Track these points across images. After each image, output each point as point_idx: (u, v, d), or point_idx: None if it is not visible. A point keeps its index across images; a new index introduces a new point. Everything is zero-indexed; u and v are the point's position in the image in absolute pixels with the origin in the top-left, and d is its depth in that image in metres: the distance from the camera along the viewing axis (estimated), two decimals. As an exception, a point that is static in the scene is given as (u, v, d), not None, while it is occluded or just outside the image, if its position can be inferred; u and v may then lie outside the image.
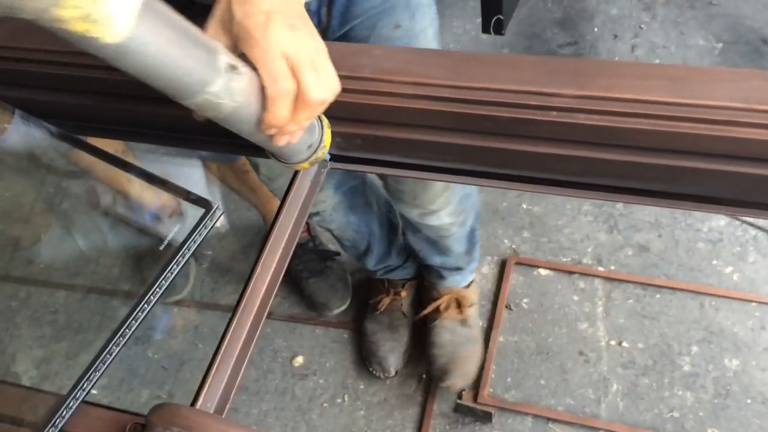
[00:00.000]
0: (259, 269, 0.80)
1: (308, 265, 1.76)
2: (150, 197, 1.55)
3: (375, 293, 1.69)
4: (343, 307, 1.75)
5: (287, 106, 0.64)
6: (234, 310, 0.78)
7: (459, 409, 1.54)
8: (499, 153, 0.82)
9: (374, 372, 1.60)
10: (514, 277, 1.75)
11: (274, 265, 0.82)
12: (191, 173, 1.54)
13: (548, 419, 1.52)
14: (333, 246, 1.79)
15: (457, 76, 0.82)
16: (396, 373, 1.60)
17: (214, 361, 0.73)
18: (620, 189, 0.83)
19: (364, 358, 1.64)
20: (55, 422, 0.65)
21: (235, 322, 0.75)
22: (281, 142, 0.69)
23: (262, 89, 0.63)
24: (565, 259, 1.78)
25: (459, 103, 0.81)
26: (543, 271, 1.76)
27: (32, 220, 1.51)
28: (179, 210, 1.74)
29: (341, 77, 0.84)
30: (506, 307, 1.70)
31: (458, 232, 1.43)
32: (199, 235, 0.74)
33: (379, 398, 1.60)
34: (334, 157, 0.90)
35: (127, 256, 1.89)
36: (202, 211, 0.75)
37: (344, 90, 0.84)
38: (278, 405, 1.62)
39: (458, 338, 1.58)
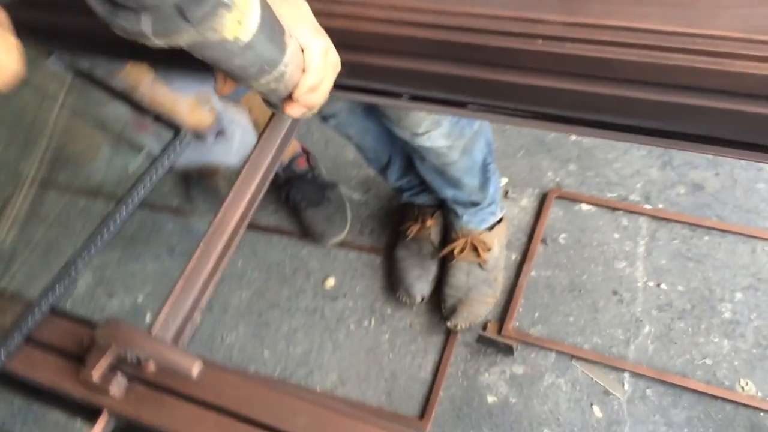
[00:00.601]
0: (232, 196, 0.80)
1: (307, 195, 1.77)
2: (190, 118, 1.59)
3: (405, 220, 1.68)
4: (340, 237, 1.75)
5: (324, 63, 0.69)
6: (203, 237, 0.79)
7: (481, 340, 1.53)
8: (483, 83, 0.77)
9: (401, 298, 1.61)
10: (554, 212, 1.69)
11: (250, 192, 0.82)
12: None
13: (572, 356, 1.49)
14: (331, 178, 1.83)
15: (440, 1, 0.77)
16: (422, 300, 1.60)
17: (176, 288, 0.74)
18: (613, 125, 0.77)
19: (392, 284, 1.65)
20: (20, 327, 0.69)
21: (199, 250, 0.76)
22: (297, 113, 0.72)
23: (301, 50, 0.66)
24: (610, 195, 1.69)
25: (441, 30, 0.77)
26: (585, 207, 1.69)
27: (90, 138, 1.58)
28: (224, 131, 1.77)
29: (321, 1, 0.81)
30: (542, 241, 1.65)
31: (462, 161, 1.38)
32: (167, 158, 0.74)
33: (405, 324, 1.62)
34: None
35: (174, 174, 1.95)
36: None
37: (329, 15, 0.81)
38: (307, 323, 1.67)
39: (473, 280, 1.56)
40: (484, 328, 1.55)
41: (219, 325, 1.71)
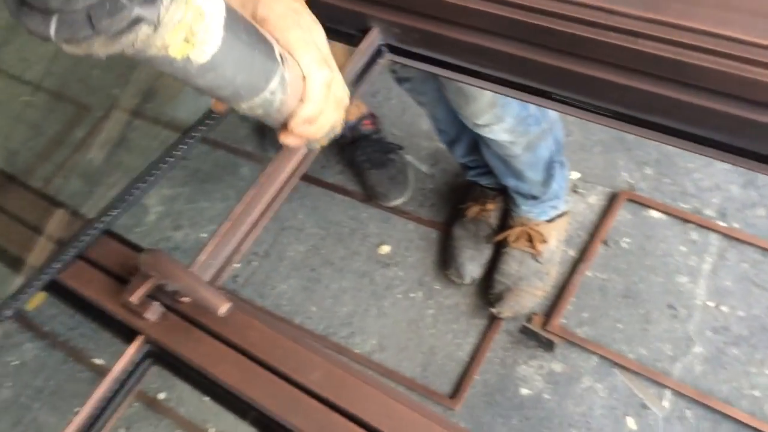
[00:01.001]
0: (283, 152, 0.81)
1: (371, 156, 1.78)
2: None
3: (467, 199, 1.67)
4: (402, 199, 1.77)
5: (325, 95, 0.64)
6: (254, 183, 0.81)
7: (525, 331, 1.52)
8: (551, 69, 0.76)
9: (450, 276, 1.61)
10: (621, 214, 1.64)
11: (303, 151, 0.83)
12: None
13: (615, 363, 1.46)
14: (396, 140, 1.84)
15: (522, -21, 0.75)
16: (472, 281, 1.60)
17: (221, 228, 0.77)
18: (683, 133, 0.74)
19: (445, 261, 1.65)
20: (75, 244, 0.74)
21: (248, 196, 0.78)
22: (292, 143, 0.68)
23: (302, 79, 0.62)
24: (684, 206, 1.63)
25: (517, 9, 0.75)
26: (655, 214, 1.63)
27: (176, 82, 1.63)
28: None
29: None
30: (603, 242, 1.61)
31: (526, 156, 1.36)
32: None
33: (451, 302, 1.62)
34: (392, 48, 0.88)
35: (252, 122, 2.00)
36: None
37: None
38: (356, 285, 1.69)
39: (524, 270, 1.54)
40: (529, 320, 1.54)
41: (273, 273, 1.76)
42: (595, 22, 0.71)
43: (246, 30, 0.53)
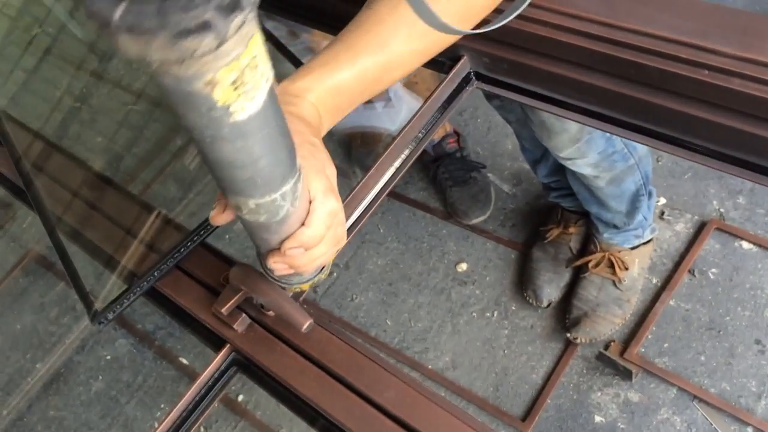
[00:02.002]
0: (373, 170, 0.84)
1: (453, 174, 1.79)
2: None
3: (548, 221, 1.66)
4: (483, 218, 1.77)
5: (327, 225, 0.61)
6: (344, 198, 0.84)
7: (601, 358, 1.49)
8: (640, 104, 0.76)
9: (528, 298, 1.61)
10: (710, 243, 1.59)
11: (398, 161, 0.86)
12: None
13: (695, 397, 1.42)
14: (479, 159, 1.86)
15: (612, 14, 0.76)
16: (549, 305, 1.59)
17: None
18: (772, 170, 0.72)
19: (523, 282, 1.64)
20: (173, 255, 0.79)
21: (347, 200, 0.82)
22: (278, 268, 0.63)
23: (308, 202, 0.59)
24: (778, 238, 1.57)
25: (606, 43, 0.76)
26: (746, 245, 1.58)
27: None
28: (391, 101, 1.85)
29: (494, -3, 0.82)
30: (689, 271, 1.56)
31: (610, 189, 1.34)
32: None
33: (527, 324, 1.61)
34: (480, 76, 0.90)
35: (339, 135, 2.05)
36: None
37: (497, 11, 0.83)
38: (433, 301, 1.71)
39: (603, 297, 1.51)
40: (607, 347, 1.51)
41: (352, 285, 1.80)
42: (687, 59, 0.70)
43: (280, 113, 0.49)
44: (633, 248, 1.53)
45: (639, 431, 1.42)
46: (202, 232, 0.81)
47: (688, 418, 1.41)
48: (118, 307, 0.81)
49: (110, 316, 0.81)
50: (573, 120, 0.84)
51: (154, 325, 1.90)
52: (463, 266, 1.74)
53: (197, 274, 0.81)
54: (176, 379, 1.79)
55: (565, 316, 1.56)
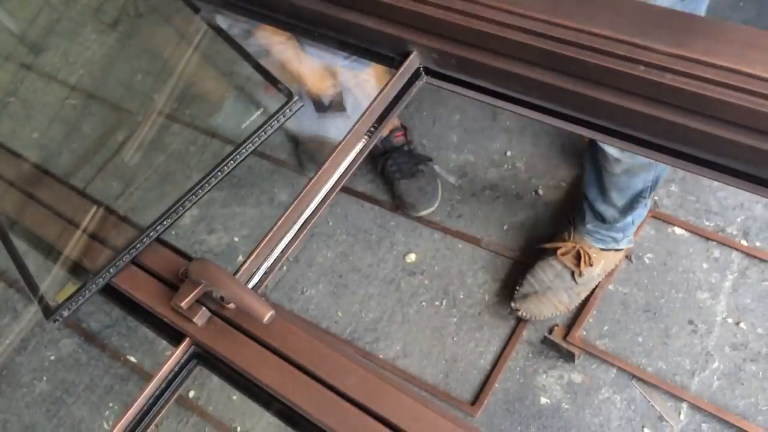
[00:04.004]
0: (327, 164, 0.86)
1: (401, 167, 1.83)
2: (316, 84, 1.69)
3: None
4: (430, 209, 1.81)
5: None
6: (298, 193, 0.86)
7: (546, 342, 1.55)
8: (581, 98, 0.80)
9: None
10: (645, 230, 1.67)
11: (349, 158, 0.88)
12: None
13: (633, 376, 1.49)
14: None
15: (555, 12, 0.80)
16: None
17: (266, 236, 0.82)
18: (705, 162, 0.78)
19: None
20: (129, 250, 0.79)
21: (293, 205, 0.84)
22: None
23: None
24: (707, 224, 1.66)
25: (548, 40, 0.79)
26: (678, 231, 1.66)
27: (221, 89, 1.71)
28: (340, 103, 1.86)
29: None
30: (627, 257, 1.64)
31: (621, 180, 1.40)
32: (277, 121, 0.82)
33: (474, 311, 1.66)
34: (429, 72, 0.93)
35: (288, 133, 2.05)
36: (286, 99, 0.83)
37: (445, 8, 0.86)
38: (383, 292, 1.74)
39: (558, 283, 1.57)
40: (551, 331, 1.57)
41: (302, 278, 1.81)
42: (624, 56, 0.75)
43: None
44: (604, 250, 1.58)
45: (582, 411, 1.49)
46: (158, 227, 0.81)
47: (628, 397, 1.48)
48: (73, 304, 0.80)
49: (65, 313, 0.81)
50: (519, 113, 0.87)
51: (100, 324, 1.87)
52: (412, 257, 1.78)
53: (154, 269, 0.81)
54: (125, 378, 1.77)
55: (515, 288, 1.61)
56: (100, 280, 0.80)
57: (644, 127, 0.77)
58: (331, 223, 1.88)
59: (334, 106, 1.79)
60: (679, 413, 1.44)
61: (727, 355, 1.48)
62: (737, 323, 1.51)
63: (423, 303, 1.70)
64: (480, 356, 1.60)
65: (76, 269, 0.88)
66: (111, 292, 0.83)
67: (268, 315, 0.70)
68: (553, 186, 1.79)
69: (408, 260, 1.78)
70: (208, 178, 0.82)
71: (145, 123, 1.83)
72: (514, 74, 0.84)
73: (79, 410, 1.75)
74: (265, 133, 0.82)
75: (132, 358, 1.79)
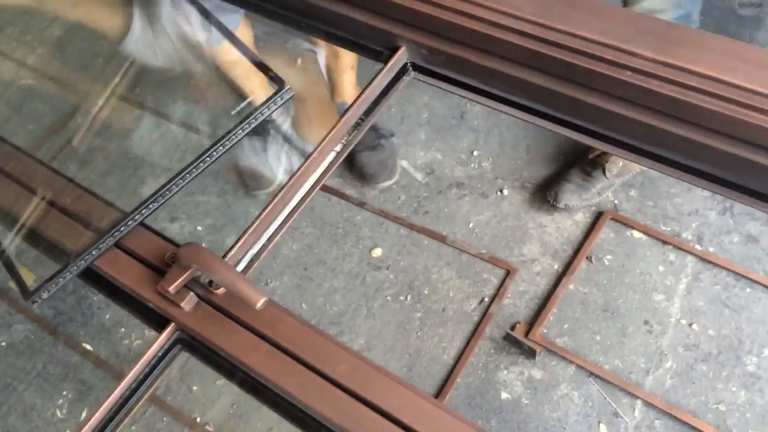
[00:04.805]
0: (316, 153, 0.87)
1: (363, 139, 1.84)
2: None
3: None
4: (390, 182, 1.86)
5: None
6: (287, 182, 0.86)
7: (508, 338, 1.59)
8: (568, 100, 0.82)
9: (548, 198, 1.76)
10: (605, 232, 1.72)
11: (332, 154, 0.89)
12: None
13: (591, 373, 1.54)
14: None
15: (545, 15, 0.82)
16: (565, 207, 1.75)
17: (255, 221, 0.82)
18: (685, 167, 0.81)
19: (549, 185, 1.77)
20: (113, 233, 0.78)
21: (281, 193, 0.84)
22: None
23: None
24: (664, 228, 1.72)
25: (539, 42, 0.81)
26: (637, 234, 1.72)
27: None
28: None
29: (437, -11, 0.86)
30: (587, 258, 1.69)
31: None
32: (267, 108, 0.82)
33: (438, 307, 1.68)
34: (416, 68, 0.94)
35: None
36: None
37: (436, 5, 0.87)
38: (348, 286, 1.75)
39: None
40: (512, 327, 1.61)
41: (267, 269, 1.80)
42: (612, 60, 0.77)
43: None
44: None
45: (541, 406, 1.53)
46: (143, 211, 0.80)
47: (585, 393, 1.53)
48: (53, 285, 0.79)
49: (45, 295, 0.79)
50: (506, 113, 0.89)
51: (54, 309, 1.83)
52: (378, 252, 1.79)
53: (138, 253, 0.80)
54: (79, 366, 1.73)
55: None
56: (82, 262, 0.78)
57: (628, 130, 0.80)
58: (297, 216, 1.88)
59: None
60: (634, 410, 1.49)
61: (680, 355, 1.54)
62: (690, 325, 1.58)
63: (388, 297, 1.72)
64: (443, 351, 1.62)
65: (54, 251, 0.86)
66: (91, 276, 0.82)
67: (261, 301, 0.70)
68: (518, 186, 1.83)
69: (374, 255, 1.79)
70: (196, 162, 0.81)
71: (103, 106, 1.80)
72: (502, 74, 0.86)
73: (31, 397, 1.70)
74: (255, 120, 0.82)
75: (88, 346, 1.75)
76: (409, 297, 1.71)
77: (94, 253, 0.79)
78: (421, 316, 1.68)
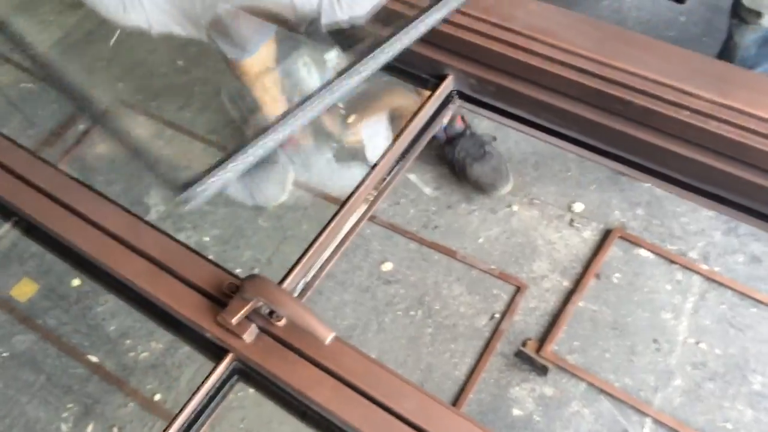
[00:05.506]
0: (371, 176, 0.87)
1: (470, 151, 1.85)
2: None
3: None
4: (509, 187, 1.86)
5: None
6: (339, 208, 0.87)
7: (520, 355, 1.60)
8: (623, 137, 0.84)
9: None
10: (614, 251, 1.75)
11: (386, 176, 0.89)
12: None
13: (601, 390, 1.56)
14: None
15: (602, 51, 0.83)
16: None
17: (310, 249, 0.82)
18: (738, 206, 0.83)
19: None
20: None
21: (337, 218, 0.84)
22: None
23: None
24: (671, 247, 1.75)
25: (595, 78, 0.83)
26: (644, 253, 1.75)
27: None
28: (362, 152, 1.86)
29: (492, 24, 0.87)
30: (596, 275, 1.71)
31: None
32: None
33: (449, 322, 1.69)
34: (463, 96, 0.95)
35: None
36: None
37: (489, 37, 0.88)
38: (358, 300, 1.75)
39: None
40: (524, 344, 1.62)
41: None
42: (670, 100, 0.79)
43: None
44: None
45: (552, 423, 1.55)
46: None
47: (596, 410, 1.55)
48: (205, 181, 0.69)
49: (199, 189, 0.69)
50: (554, 145, 0.90)
51: (57, 320, 1.80)
52: (388, 266, 1.79)
53: (196, 283, 0.79)
54: (85, 378, 1.70)
55: None
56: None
57: (683, 168, 0.82)
58: (304, 227, 1.87)
59: (356, 155, 1.81)
60: (643, 427, 1.52)
61: (688, 373, 1.57)
62: (697, 343, 1.61)
63: (398, 312, 1.72)
64: (455, 367, 1.63)
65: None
66: (147, 305, 0.81)
67: (330, 336, 0.70)
68: (527, 202, 1.85)
69: (384, 269, 1.79)
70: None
71: (107, 115, 1.77)
72: (554, 107, 0.87)
73: (35, 410, 1.67)
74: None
75: (93, 358, 1.73)
76: (419, 312, 1.72)
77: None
78: (432, 331, 1.69)
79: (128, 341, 1.75)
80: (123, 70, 2.20)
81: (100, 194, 0.86)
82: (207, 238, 1.88)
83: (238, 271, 1.83)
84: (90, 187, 0.86)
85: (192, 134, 2.08)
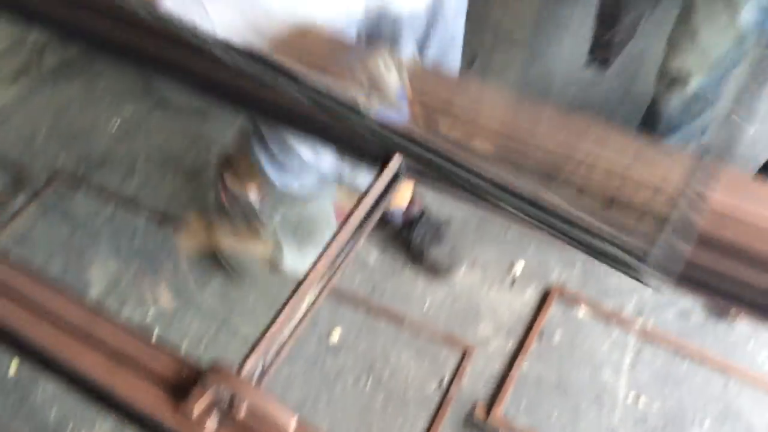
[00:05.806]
0: (324, 255, 0.89)
1: (426, 235, 1.90)
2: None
3: None
4: (463, 267, 1.93)
5: None
6: (293, 291, 0.88)
7: (469, 420, 1.63)
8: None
9: None
10: (554, 310, 1.81)
11: (343, 249, 0.92)
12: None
13: (550, 452, 1.60)
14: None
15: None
16: None
17: (266, 332, 0.83)
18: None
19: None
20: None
21: (292, 300, 0.85)
22: None
23: None
24: (607, 303, 1.82)
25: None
26: (582, 311, 1.82)
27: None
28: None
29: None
30: (538, 335, 1.76)
31: None
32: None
33: (399, 390, 1.71)
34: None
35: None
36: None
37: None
38: (307, 372, 1.74)
39: None
40: (473, 409, 1.65)
41: (223, 353, 1.77)
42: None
43: None
44: None
45: (504, 486, 1.57)
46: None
47: (546, 471, 1.58)
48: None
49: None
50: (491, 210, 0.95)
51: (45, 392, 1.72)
52: (336, 335, 1.80)
53: (155, 374, 0.79)
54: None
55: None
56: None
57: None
58: (251, 299, 1.87)
59: None
60: (593, 485, 1.56)
61: (630, 430, 1.63)
62: (637, 399, 1.67)
63: (348, 382, 1.73)
64: (406, 435, 1.64)
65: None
66: (103, 397, 0.80)
67: (292, 423, 0.71)
68: (470, 265, 1.91)
69: (332, 339, 1.80)
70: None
71: (46, 187, 1.76)
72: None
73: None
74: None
75: (30, 446, 1.66)
76: (369, 381, 1.73)
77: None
78: (382, 400, 1.70)
79: (71, 424, 1.68)
80: (63, 142, 2.17)
81: (48, 282, 0.85)
82: (151, 313, 1.85)
83: (184, 345, 1.81)
84: (38, 276, 0.86)
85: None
